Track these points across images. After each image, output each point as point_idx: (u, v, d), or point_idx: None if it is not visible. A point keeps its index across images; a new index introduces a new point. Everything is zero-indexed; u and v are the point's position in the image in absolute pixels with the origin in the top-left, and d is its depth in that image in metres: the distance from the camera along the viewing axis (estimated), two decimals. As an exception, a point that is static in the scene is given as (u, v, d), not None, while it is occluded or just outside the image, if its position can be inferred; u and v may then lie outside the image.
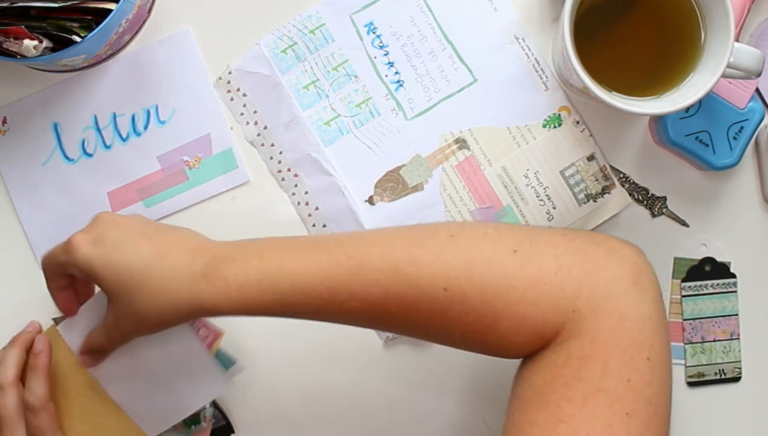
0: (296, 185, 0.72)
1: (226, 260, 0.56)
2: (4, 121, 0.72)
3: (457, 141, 0.72)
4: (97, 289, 0.65)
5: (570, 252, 0.54)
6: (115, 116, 0.72)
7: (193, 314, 0.57)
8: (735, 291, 0.72)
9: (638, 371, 0.51)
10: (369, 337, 0.72)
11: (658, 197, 0.72)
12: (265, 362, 0.72)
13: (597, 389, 0.50)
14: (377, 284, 0.54)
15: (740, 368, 0.73)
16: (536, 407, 0.52)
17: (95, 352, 0.63)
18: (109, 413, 0.64)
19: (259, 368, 0.71)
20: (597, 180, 0.71)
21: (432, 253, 0.54)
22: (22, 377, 0.63)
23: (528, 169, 0.71)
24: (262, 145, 0.72)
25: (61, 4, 0.64)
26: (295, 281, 0.55)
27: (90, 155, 0.72)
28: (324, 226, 0.72)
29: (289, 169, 0.72)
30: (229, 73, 0.72)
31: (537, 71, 0.72)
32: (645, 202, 0.72)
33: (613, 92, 0.64)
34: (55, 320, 0.67)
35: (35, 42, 0.63)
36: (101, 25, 0.64)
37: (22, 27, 0.63)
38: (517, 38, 0.72)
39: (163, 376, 0.64)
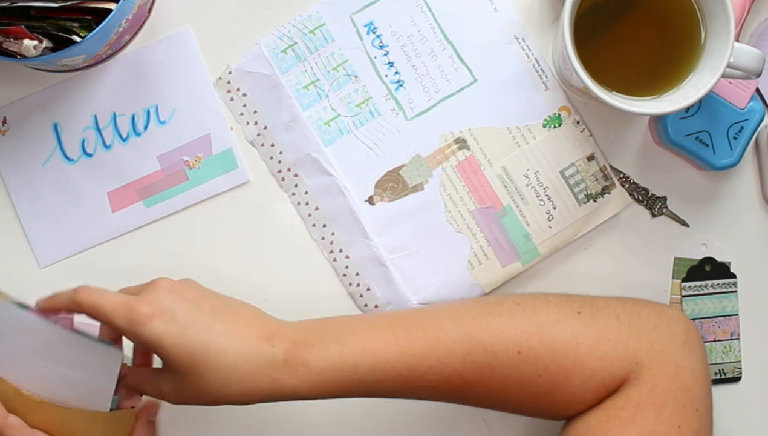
0: (296, 185, 0.72)
1: (306, 346, 0.56)
2: (4, 121, 0.72)
3: (457, 141, 0.72)
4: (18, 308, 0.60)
5: (627, 312, 0.58)
6: (115, 116, 0.72)
7: (269, 399, 0.57)
8: (735, 291, 0.72)
9: (688, 420, 0.56)
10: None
11: (658, 197, 0.72)
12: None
13: (650, 433, 0.54)
14: (454, 355, 0.56)
15: (740, 368, 0.73)
16: None
17: (136, 391, 0.61)
18: (51, 411, 0.61)
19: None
20: (597, 180, 0.71)
21: (502, 320, 0.57)
22: None
23: (528, 169, 0.71)
24: (262, 145, 0.72)
25: (61, 4, 0.64)
26: (376, 361, 0.56)
27: (90, 155, 0.72)
28: (324, 226, 0.72)
29: (289, 169, 0.72)
30: (229, 73, 0.72)
31: (537, 71, 0.72)
32: (645, 202, 0.72)
33: (613, 92, 0.64)
34: None
35: (35, 42, 0.63)
36: (101, 25, 0.64)
37: (22, 27, 0.63)
38: (517, 38, 0.72)
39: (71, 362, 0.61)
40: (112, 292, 0.58)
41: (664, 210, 0.73)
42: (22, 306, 0.60)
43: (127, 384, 0.61)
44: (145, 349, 0.60)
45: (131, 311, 0.56)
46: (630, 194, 0.72)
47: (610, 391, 0.56)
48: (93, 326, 0.60)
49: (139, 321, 0.55)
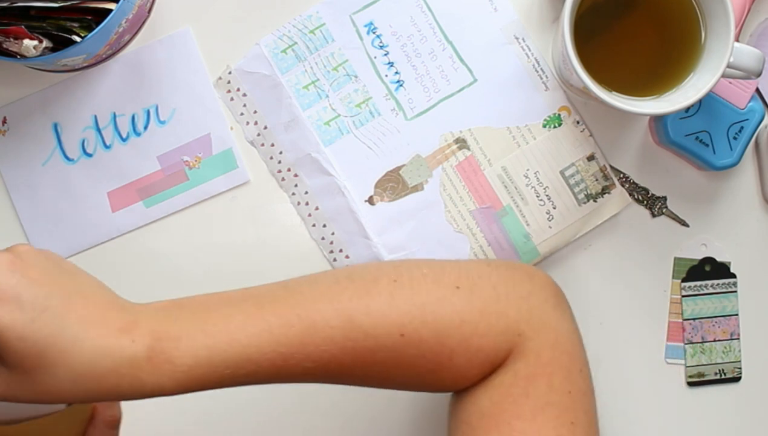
0: (296, 185, 0.72)
1: (170, 340, 0.50)
2: (4, 121, 0.72)
3: (457, 141, 0.72)
4: None
5: (502, 281, 0.56)
6: (115, 116, 0.72)
7: (126, 398, 0.50)
8: (735, 291, 0.72)
9: (575, 383, 0.55)
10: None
11: (658, 197, 0.72)
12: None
13: (545, 403, 0.53)
14: (332, 340, 0.52)
15: (740, 368, 0.73)
16: (486, 429, 0.53)
17: None
18: None
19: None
20: (597, 180, 0.71)
21: (382, 300, 0.54)
22: None
23: (528, 169, 0.71)
24: (262, 145, 0.72)
25: (61, 4, 0.64)
26: (248, 354, 0.51)
27: (90, 155, 0.73)
28: (324, 226, 0.72)
29: (289, 169, 0.72)
30: (229, 73, 0.72)
31: (537, 71, 0.72)
32: (645, 202, 0.72)
33: (613, 92, 0.64)
34: None
35: (35, 42, 0.63)
36: (101, 25, 0.64)
37: (22, 27, 0.63)
38: (517, 38, 0.72)
39: None
40: None
41: (664, 210, 0.73)
42: None
43: None
44: None
45: None
46: (630, 194, 0.72)
47: (495, 365, 0.55)
48: None
49: None
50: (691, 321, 0.72)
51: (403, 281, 0.55)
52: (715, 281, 0.72)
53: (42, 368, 0.47)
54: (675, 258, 0.73)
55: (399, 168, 0.72)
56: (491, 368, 0.55)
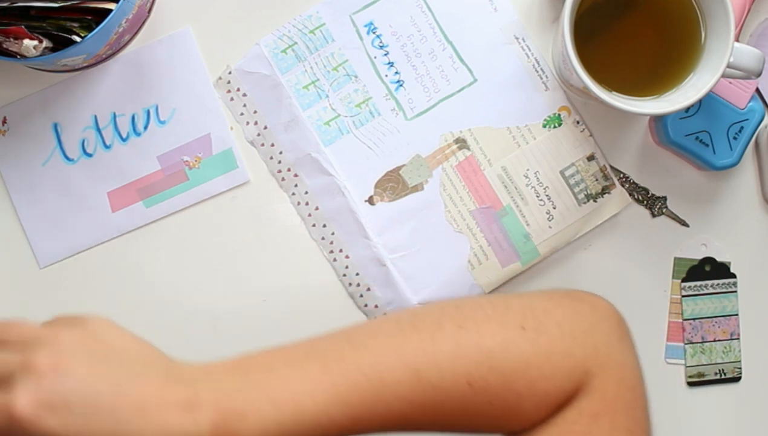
0: (296, 185, 0.72)
1: (236, 416, 0.46)
2: (4, 121, 0.72)
3: (457, 141, 0.72)
4: None
5: (567, 317, 0.55)
6: (115, 116, 0.72)
7: None
8: (735, 291, 0.72)
9: (638, 421, 0.54)
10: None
11: (658, 197, 0.72)
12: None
13: None
14: (400, 397, 0.51)
15: (740, 368, 0.73)
16: None
17: None
18: None
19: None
20: (597, 180, 0.71)
21: (448, 349, 0.52)
22: None
23: (528, 169, 0.71)
24: (262, 145, 0.72)
25: (61, 4, 0.64)
26: (316, 419, 0.49)
27: (90, 155, 0.73)
28: (324, 226, 0.72)
29: (289, 169, 0.72)
30: (229, 73, 0.72)
31: (537, 71, 0.72)
32: (645, 202, 0.72)
33: (613, 92, 0.64)
34: None
35: (35, 42, 0.63)
36: (101, 25, 0.64)
37: (22, 27, 0.63)
38: (517, 38, 0.72)
39: None
40: None
41: (664, 210, 0.73)
42: None
43: None
44: None
45: (5, 411, 0.42)
46: (630, 194, 0.72)
47: (561, 406, 0.54)
48: None
49: (22, 424, 0.42)
50: (691, 321, 0.72)
51: (468, 326, 0.54)
52: (715, 281, 0.72)
53: None
54: (675, 258, 0.73)
55: (399, 168, 0.72)
56: (558, 408, 0.54)
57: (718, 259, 0.72)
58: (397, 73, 0.72)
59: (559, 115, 0.72)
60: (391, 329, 0.54)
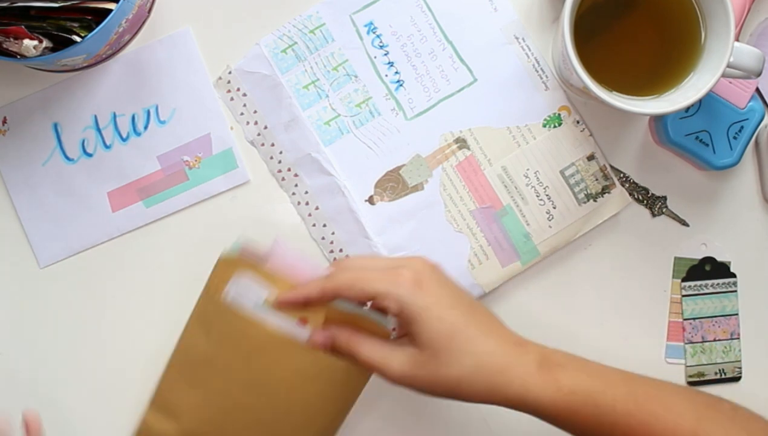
0: (296, 185, 0.72)
1: (558, 364, 0.55)
2: (4, 121, 0.72)
3: (457, 141, 0.72)
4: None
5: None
6: (115, 116, 0.72)
7: (508, 402, 0.54)
8: (735, 291, 0.72)
9: None
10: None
11: (658, 197, 0.73)
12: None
13: None
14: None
15: (740, 368, 0.73)
16: None
17: (370, 368, 0.58)
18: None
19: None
20: (597, 180, 0.71)
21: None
22: None
23: (528, 169, 0.71)
24: (262, 145, 0.72)
25: (61, 4, 0.64)
26: (617, 405, 0.54)
27: (90, 155, 0.73)
28: (324, 225, 0.72)
29: (289, 169, 0.72)
30: (229, 73, 0.72)
31: (537, 71, 0.72)
32: (645, 202, 0.73)
33: (613, 92, 0.64)
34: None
35: (35, 42, 0.63)
36: (101, 25, 0.64)
37: (22, 27, 0.63)
38: (517, 38, 0.72)
39: None
40: (369, 266, 0.58)
41: (664, 210, 0.73)
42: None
43: (364, 362, 0.57)
44: (397, 314, 0.56)
45: (395, 274, 0.55)
46: (630, 194, 0.72)
47: None
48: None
49: (407, 289, 0.55)
50: (691, 321, 0.72)
51: None
52: (715, 281, 0.72)
53: (449, 352, 0.54)
54: (675, 258, 0.73)
55: (399, 168, 0.72)
56: None
57: (718, 258, 0.72)
58: (397, 73, 0.72)
59: (559, 114, 0.72)
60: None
